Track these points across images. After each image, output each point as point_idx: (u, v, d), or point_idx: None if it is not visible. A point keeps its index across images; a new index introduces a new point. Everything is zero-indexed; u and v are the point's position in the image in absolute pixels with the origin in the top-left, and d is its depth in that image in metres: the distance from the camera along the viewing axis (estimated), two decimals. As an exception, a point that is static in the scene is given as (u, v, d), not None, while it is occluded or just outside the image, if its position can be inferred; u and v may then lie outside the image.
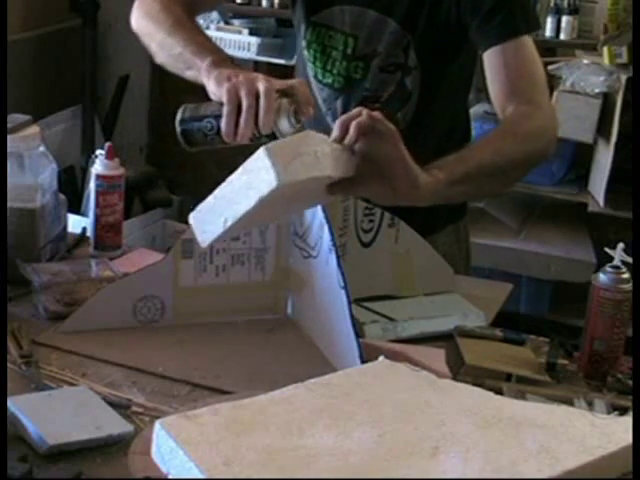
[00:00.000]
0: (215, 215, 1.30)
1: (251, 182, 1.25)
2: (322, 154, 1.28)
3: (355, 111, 1.33)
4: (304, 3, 1.81)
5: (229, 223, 1.29)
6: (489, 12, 1.63)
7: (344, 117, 1.33)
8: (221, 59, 1.50)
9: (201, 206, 1.32)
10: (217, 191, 1.30)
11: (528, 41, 1.64)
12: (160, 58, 1.62)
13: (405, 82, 1.77)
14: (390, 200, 1.38)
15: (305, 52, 1.84)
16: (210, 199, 1.31)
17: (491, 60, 1.63)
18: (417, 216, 1.72)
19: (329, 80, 1.82)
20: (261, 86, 1.39)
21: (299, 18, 1.84)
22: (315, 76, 1.84)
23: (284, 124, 1.41)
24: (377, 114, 1.33)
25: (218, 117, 1.42)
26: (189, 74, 1.53)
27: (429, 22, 1.71)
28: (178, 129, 1.48)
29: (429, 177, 1.36)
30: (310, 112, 1.43)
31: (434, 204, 1.41)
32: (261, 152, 1.24)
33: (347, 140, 1.31)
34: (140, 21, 1.68)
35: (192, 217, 1.34)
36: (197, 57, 1.51)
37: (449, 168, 1.40)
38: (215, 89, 1.44)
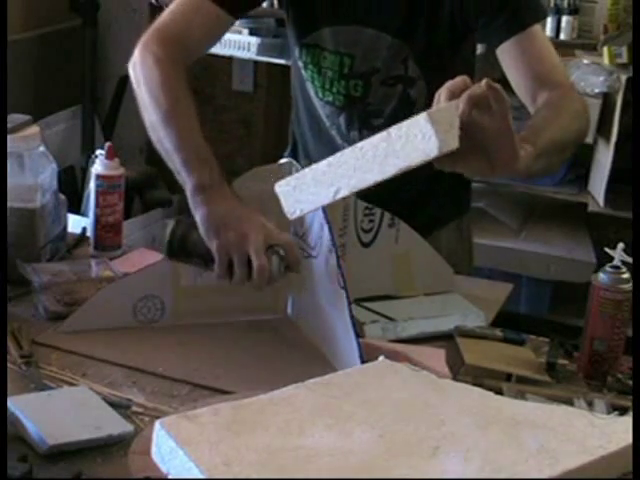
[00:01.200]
0: (322, 185, 1.25)
1: (397, 150, 1.18)
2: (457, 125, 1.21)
3: (460, 80, 1.26)
4: (294, 26, 1.79)
5: (342, 193, 1.24)
6: (497, 7, 1.63)
7: (451, 86, 1.27)
8: (207, 182, 1.46)
9: (296, 176, 1.28)
10: (326, 161, 1.24)
11: (539, 29, 1.65)
12: (150, 136, 1.56)
13: (409, 93, 1.75)
14: (485, 174, 1.32)
15: (303, 72, 1.82)
16: (317, 168, 1.25)
17: (508, 54, 1.63)
18: (421, 213, 1.72)
19: (329, 98, 1.81)
20: (253, 255, 1.40)
21: (292, 40, 1.82)
22: (316, 94, 1.83)
23: (274, 278, 1.42)
24: (496, 85, 1.25)
25: (208, 262, 1.45)
26: (177, 177, 1.50)
27: (428, 30, 1.70)
28: (165, 244, 1.47)
29: (522, 150, 1.31)
30: (300, 271, 1.45)
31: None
32: (422, 119, 1.16)
33: (459, 113, 1.23)
34: (140, 82, 1.61)
35: (280, 186, 1.29)
36: (184, 169, 1.48)
37: (532, 141, 1.35)
38: (204, 235, 1.44)
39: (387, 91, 1.77)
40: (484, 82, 1.25)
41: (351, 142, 1.83)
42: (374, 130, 1.79)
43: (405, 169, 1.20)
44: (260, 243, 1.40)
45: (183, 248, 1.46)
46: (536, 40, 1.64)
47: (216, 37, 1.74)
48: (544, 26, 3.21)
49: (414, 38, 1.71)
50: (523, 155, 1.31)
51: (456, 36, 1.71)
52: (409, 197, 1.78)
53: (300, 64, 1.81)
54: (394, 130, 1.19)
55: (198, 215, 1.45)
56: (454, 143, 1.19)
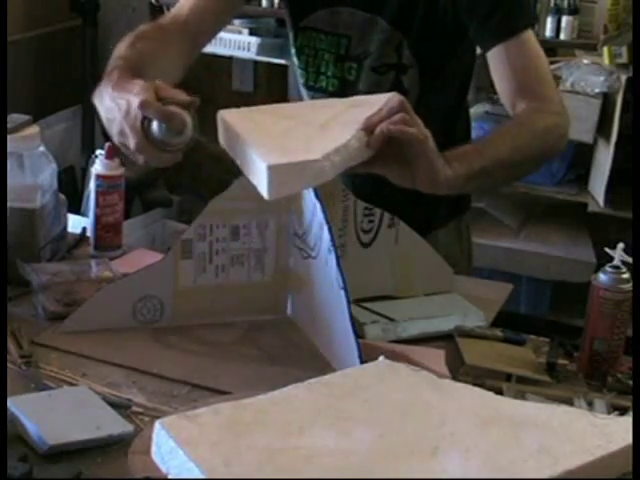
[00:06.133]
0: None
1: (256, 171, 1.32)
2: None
3: (390, 106, 1.36)
4: (290, 10, 1.80)
5: None
6: (487, 11, 1.63)
7: (374, 118, 1.36)
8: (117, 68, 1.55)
9: None
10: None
11: (530, 36, 1.63)
12: None
13: (401, 81, 1.76)
14: (408, 184, 1.40)
15: (295, 59, 1.83)
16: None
17: (495, 59, 1.63)
18: (419, 212, 1.72)
19: (323, 84, 1.81)
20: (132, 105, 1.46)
21: (289, 26, 1.83)
22: (306, 83, 1.83)
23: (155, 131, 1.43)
24: (410, 119, 1.35)
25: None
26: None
27: (425, 21, 1.70)
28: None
29: (450, 171, 1.36)
30: (183, 126, 1.43)
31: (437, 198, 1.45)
32: (264, 166, 1.30)
33: (372, 142, 1.34)
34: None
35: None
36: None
37: (468, 162, 1.41)
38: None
39: (378, 79, 1.77)
40: (397, 117, 1.35)
41: None
42: None
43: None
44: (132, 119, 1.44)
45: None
46: (525, 48, 1.62)
47: (226, 20, 1.84)
48: (544, 26, 3.22)
49: (410, 26, 1.71)
50: (450, 176, 1.37)
51: (451, 32, 1.70)
52: (406, 196, 1.78)
53: (293, 51, 1.83)
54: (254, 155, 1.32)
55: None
56: (297, 187, 1.34)
